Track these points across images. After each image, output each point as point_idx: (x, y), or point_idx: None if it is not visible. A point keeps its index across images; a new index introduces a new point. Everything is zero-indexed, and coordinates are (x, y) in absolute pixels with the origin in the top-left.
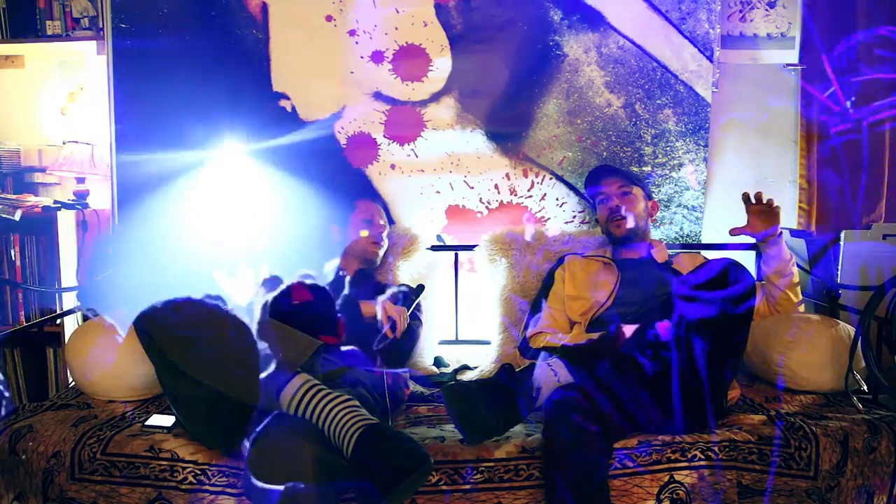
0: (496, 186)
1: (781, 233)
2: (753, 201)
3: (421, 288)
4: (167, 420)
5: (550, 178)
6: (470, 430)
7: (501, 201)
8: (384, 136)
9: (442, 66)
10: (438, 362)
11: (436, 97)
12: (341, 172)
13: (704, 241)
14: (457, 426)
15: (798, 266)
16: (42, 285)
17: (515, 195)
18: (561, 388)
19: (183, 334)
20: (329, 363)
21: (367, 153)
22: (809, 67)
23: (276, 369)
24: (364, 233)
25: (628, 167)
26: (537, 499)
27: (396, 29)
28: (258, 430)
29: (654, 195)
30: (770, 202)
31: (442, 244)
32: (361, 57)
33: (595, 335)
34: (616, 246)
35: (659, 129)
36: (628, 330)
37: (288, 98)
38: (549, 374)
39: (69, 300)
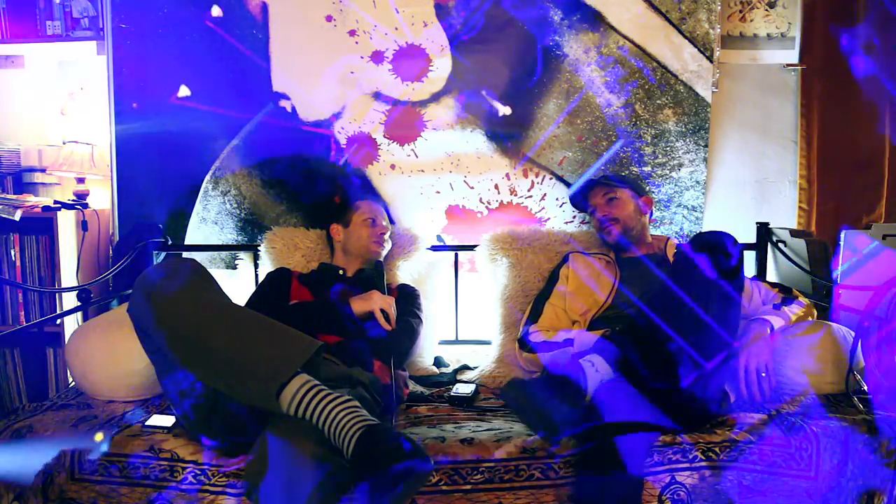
0: (496, 186)
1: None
2: None
3: (380, 265)
4: (167, 420)
5: (550, 178)
6: (540, 425)
7: (501, 201)
8: (384, 136)
9: (442, 66)
10: (438, 362)
11: (436, 97)
12: (341, 172)
13: None
14: (526, 421)
15: (798, 266)
16: (42, 285)
17: (515, 195)
18: (607, 383)
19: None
20: (329, 363)
21: (367, 153)
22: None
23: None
24: (366, 233)
25: (628, 167)
26: (538, 499)
27: (396, 29)
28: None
29: (648, 191)
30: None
31: (442, 244)
32: (361, 57)
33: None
34: (616, 252)
35: (659, 129)
36: None
37: (288, 98)
38: (591, 371)
39: (69, 300)
